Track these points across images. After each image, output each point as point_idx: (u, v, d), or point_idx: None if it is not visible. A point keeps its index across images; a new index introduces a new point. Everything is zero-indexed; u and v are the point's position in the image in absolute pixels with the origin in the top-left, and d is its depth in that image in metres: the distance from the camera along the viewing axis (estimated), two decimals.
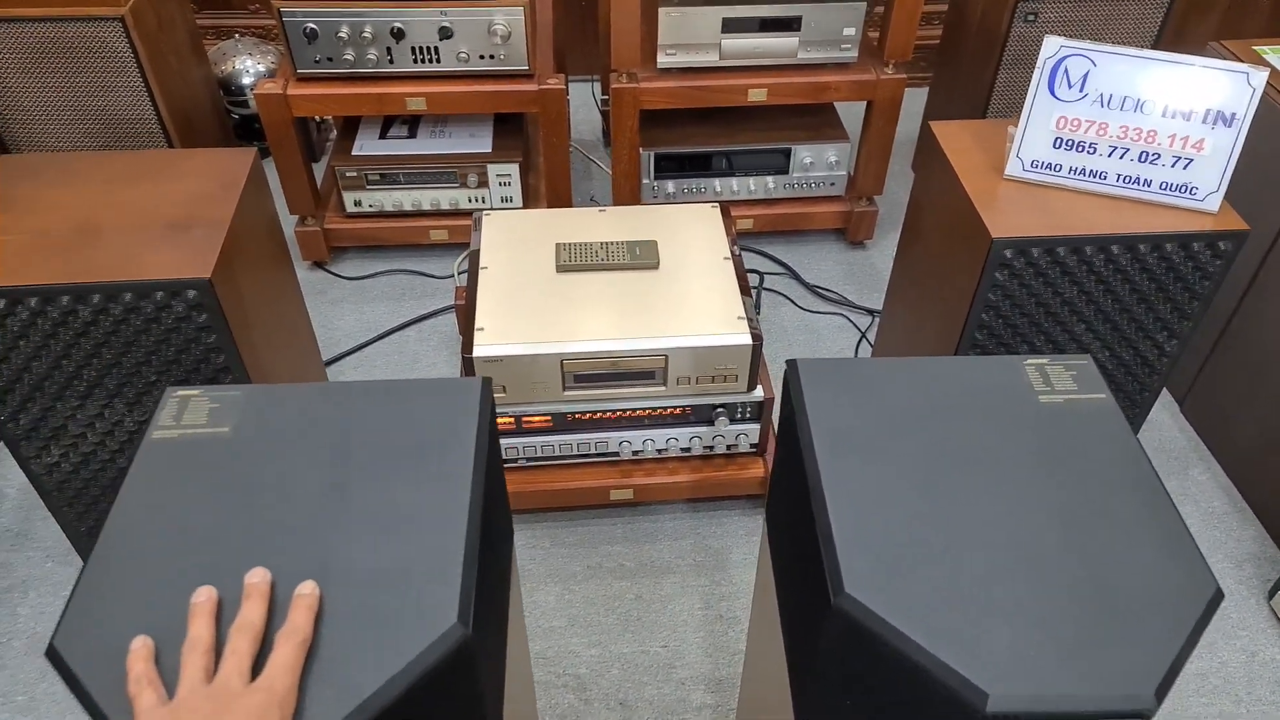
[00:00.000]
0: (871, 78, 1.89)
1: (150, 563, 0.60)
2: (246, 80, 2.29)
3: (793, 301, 2.02)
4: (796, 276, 2.07)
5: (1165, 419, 1.79)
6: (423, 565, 0.60)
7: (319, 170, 2.23)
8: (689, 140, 2.03)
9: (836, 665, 0.63)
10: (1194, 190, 1.28)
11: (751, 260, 2.12)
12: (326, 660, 0.55)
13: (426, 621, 0.57)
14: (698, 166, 2.05)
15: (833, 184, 2.09)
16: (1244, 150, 1.24)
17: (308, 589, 0.57)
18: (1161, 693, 0.55)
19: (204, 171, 1.32)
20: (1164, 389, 1.84)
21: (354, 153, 1.98)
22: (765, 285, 2.07)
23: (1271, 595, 1.49)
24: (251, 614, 0.55)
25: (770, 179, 2.06)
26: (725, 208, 1.63)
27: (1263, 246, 1.56)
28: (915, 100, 2.37)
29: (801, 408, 0.71)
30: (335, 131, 2.38)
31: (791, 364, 0.75)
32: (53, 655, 0.56)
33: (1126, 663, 0.56)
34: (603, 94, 2.44)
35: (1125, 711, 0.54)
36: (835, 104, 2.19)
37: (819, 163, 2.05)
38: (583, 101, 2.59)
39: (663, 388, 1.45)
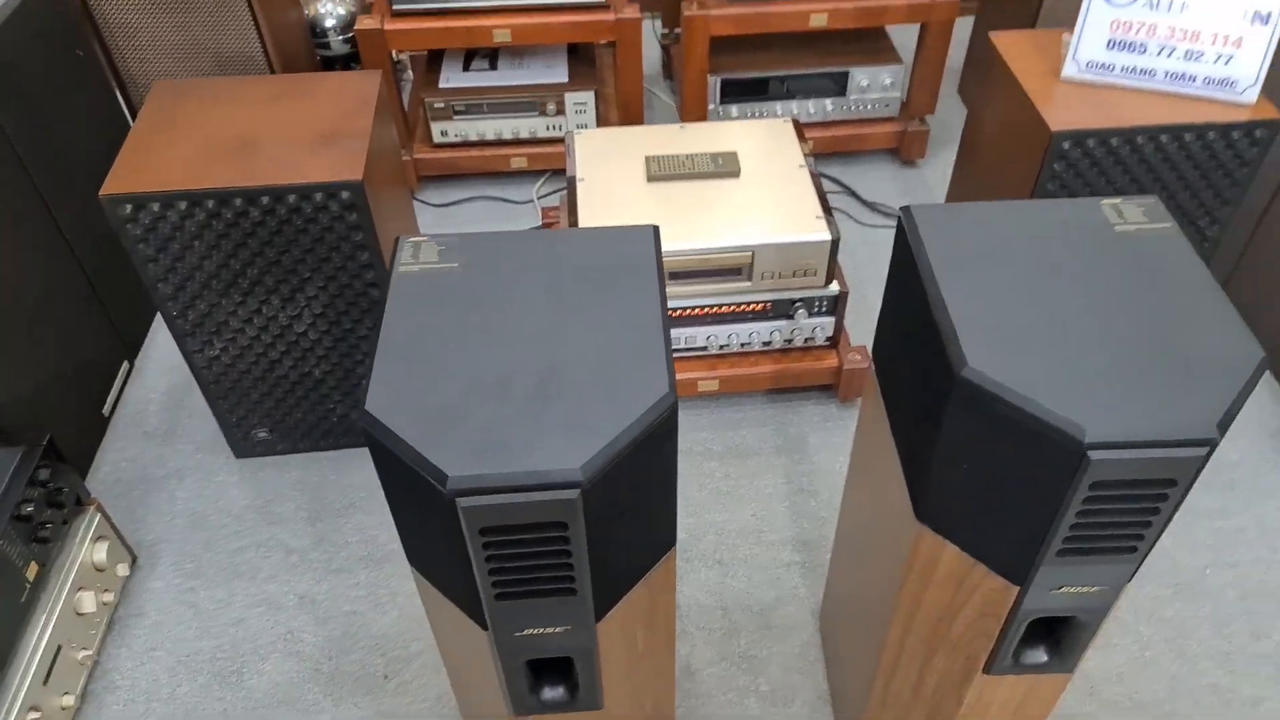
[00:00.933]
0: (926, 0, 2.01)
1: (422, 353, 0.76)
2: (329, 23, 2.42)
3: (852, 218, 2.15)
4: (855, 195, 2.21)
5: None
6: (635, 352, 0.75)
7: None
8: (753, 66, 2.15)
9: (959, 434, 0.78)
10: (1234, 84, 1.40)
11: None
12: (572, 422, 0.71)
13: (647, 391, 0.72)
14: (760, 92, 2.17)
15: (887, 105, 2.21)
16: None
17: None
18: (1222, 428, 0.70)
19: (340, 91, 1.47)
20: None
21: (440, 85, 2.12)
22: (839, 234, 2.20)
23: None
24: None
25: (829, 102, 2.19)
26: (797, 123, 1.77)
27: None
28: (961, 29, 2.47)
29: (916, 237, 0.86)
30: (409, 71, 2.52)
31: (905, 209, 0.89)
32: (366, 417, 0.72)
33: (1194, 407, 0.71)
34: (662, 28, 2.56)
35: (1194, 440, 0.69)
36: (888, 30, 2.30)
37: (874, 85, 2.17)
38: (645, 40, 2.70)
39: (749, 283, 1.60)
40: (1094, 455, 0.70)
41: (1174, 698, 1.36)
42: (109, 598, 1.42)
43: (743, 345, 1.69)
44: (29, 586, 1.25)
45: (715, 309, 1.64)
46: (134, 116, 2.00)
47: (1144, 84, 1.45)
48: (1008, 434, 0.74)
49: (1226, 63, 1.40)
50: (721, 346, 1.69)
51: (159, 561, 1.53)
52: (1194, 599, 1.47)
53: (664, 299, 0.81)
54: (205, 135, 1.38)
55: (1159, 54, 1.43)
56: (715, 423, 1.74)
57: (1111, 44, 1.44)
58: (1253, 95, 1.40)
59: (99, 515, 1.41)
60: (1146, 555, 0.80)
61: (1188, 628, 1.44)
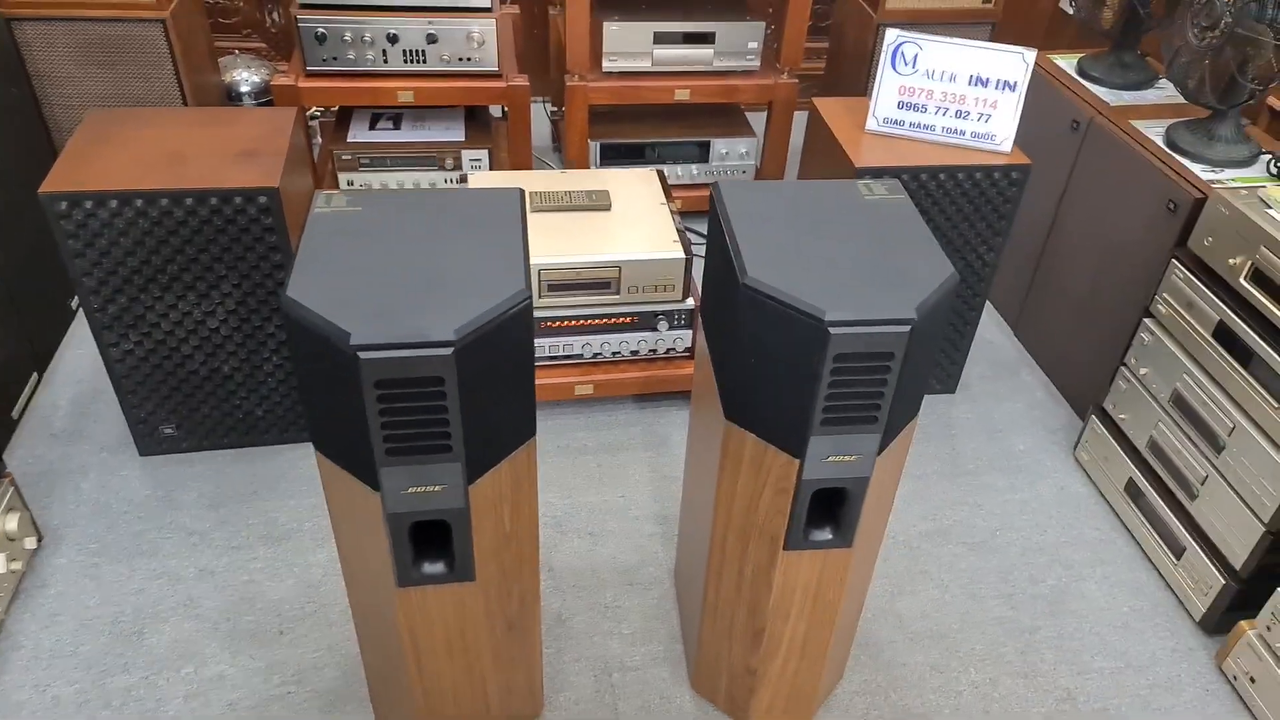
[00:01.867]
0: (771, 82, 2.39)
1: (331, 263, 0.97)
2: (244, 89, 2.66)
3: None
4: None
5: (1002, 339, 2.28)
6: (499, 266, 0.99)
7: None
8: (628, 134, 2.49)
9: (745, 332, 1.04)
10: (993, 137, 1.79)
11: None
12: (449, 304, 0.93)
13: (507, 288, 0.96)
14: (635, 155, 2.50)
15: (744, 172, 2.57)
16: (1031, 109, 1.75)
17: None
18: (921, 311, 0.98)
19: (259, 120, 1.70)
20: (1000, 316, 2.34)
21: (349, 140, 2.37)
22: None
23: (1074, 449, 1.96)
24: None
25: (694, 166, 2.53)
26: (661, 173, 2.08)
27: (1056, 194, 2.08)
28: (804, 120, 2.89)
29: (721, 202, 1.13)
30: (319, 136, 2.76)
31: (715, 185, 1.17)
32: (287, 301, 0.92)
33: (902, 300, 0.99)
34: (552, 106, 2.90)
35: (900, 319, 0.97)
36: (744, 110, 2.69)
37: (732, 153, 2.53)
38: (535, 116, 3.04)
39: (617, 295, 1.86)
40: (833, 331, 0.96)
41: (965, 628, 1.61)
42: (17, 566, 1.51)
43: (614, 354, 1.94)
44: None
45: (589, 320, 1.89)
46: (56, 155, 2.17)
47: (927, 136, 1.82)
48: (777, 325, 1.00)
49: (987, 121, 1.79)
50: (595, 355, 1.93)
51: (63, 543, 1.63)
52: (985, 555, 1.75)
53: (525, 238, 1.05)
54: (136, 150, 1.58)
55: (936, 113, 1.80)
56: (590, 424, 1.97)
57: (901, 104, 1.81)
58: (1008, 146, 1.79)
59: (11, 488, 1.52)
60: (887, 429, 1.07)
61: (979, 576, 1.71)
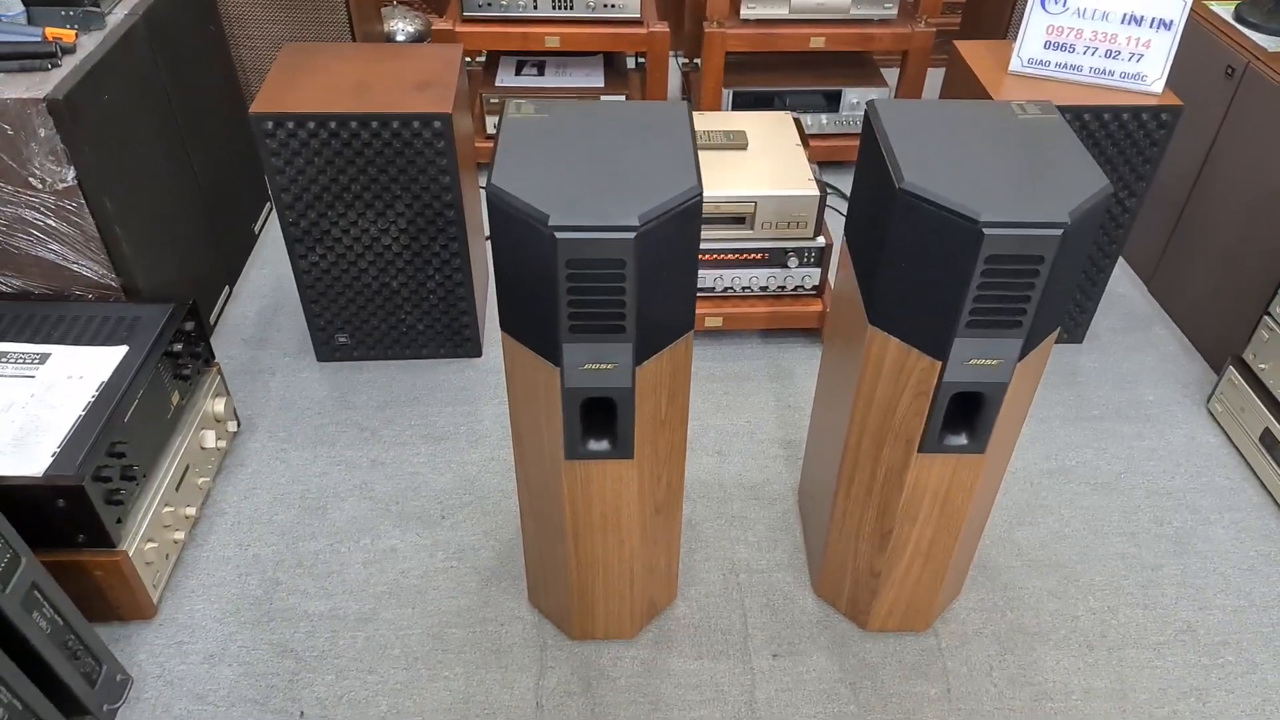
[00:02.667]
0: (908, 31, 2.41)
1: (527, 159, 1.10)
2: (400, 38, 2.84)
3: (841, 214, 2.52)
4: (844, 196, 2.57)
5: (1135, 293, 2.26)
6: (673, 165, 1.09)
7: None
8: (760, 82, 2.55)
9: (900, 237, 1.11)
10: (1144, 78, 1.78)
11: None
12: (632, 197, 1.04)
13: (681, 185, 1.06)
14: (766, 104, 2.56)
15: None
16: (1183, 55, 1.73)
17: None
18: (1074, 216, 1.03)
19: (431, 56, 1.85)
20: (1134, 272, 2.32)
21: (497, 84, 2.52)
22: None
23: (1207, 401, 1.95)
24: None
25: (824, 116, 2.58)
26: (797, 119, 2.14)
27: (1204, 144, 2.04)
28: (937, 78, 2.88)
29: (876, 118, 1.20)
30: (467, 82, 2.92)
31: (870, 102, 1.24)
32: (492, 189, 1.05)
33: (1055, 206, 1.04)
34: (684, 59, 2.98)
35: (1053, 223, 1.02)
36: (876, 60, 2.71)
37: (864, 104, 2.56)
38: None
39: (751, 230, 1.94)
40: (988, 232, 1.03)
41: (1085, 560, 1.65)
42: (222, 444, 1.72)
43: (744, 289, 2.03)
44: (172, 409, 1.57)
45: (722, 255, 1.98)
46: (241, 88, 2.39)
47: (1074, 77, 1.82)
48: (933, 227, 1.07)
49: (1138, 61, 1.78)
50: (726, 289, 2.02)
51: (257, 430, 1.84)
52: (1108, 494, 1.77)
53: (695, 142, 1.15)
54: (328, 79, 1.75)
55: (1085, 53, 1.81)
56: (719, 355, 2.07)
57: (1048, 45, 1.82)
58: (1159, 87, 1.78)
59: (219, 376, 1.73)
60: (1030, 336, 1.13)
61: (1101, 514, 1.73)
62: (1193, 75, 2.04)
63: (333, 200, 1.76)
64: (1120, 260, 2.37)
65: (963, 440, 1.24)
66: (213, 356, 1.73)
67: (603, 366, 1.12)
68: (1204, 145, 2.04)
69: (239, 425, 1.83)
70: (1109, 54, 1.79)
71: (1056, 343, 2.10)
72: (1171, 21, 1.74)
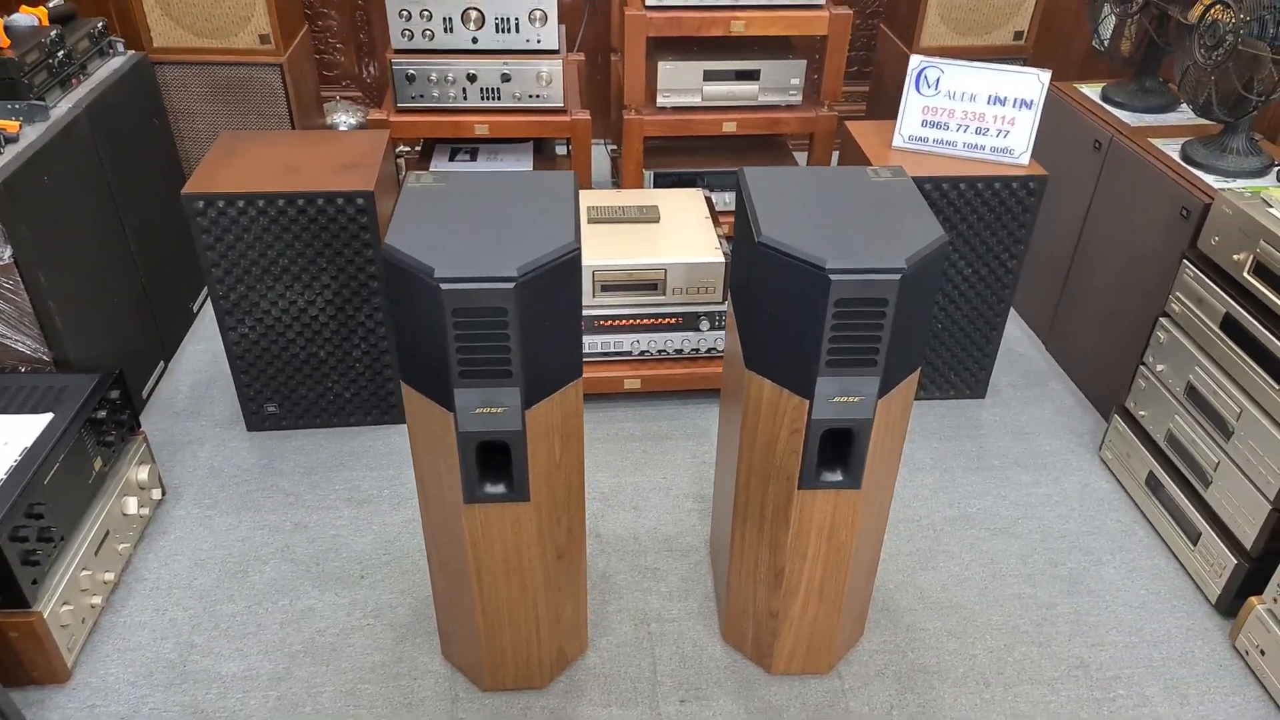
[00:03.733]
0: (813, 115, 2.60)
1: (419, 221, 1.20)
2: (343, 129, 2.99)
3: None
4: None
5: (1033, 352, 2.40)
6: (553, 226, 1.20)
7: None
8: (679, 164, 2.72)
9: (762, 285, 1.22)
10: (1011, 151, 1.95)
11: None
12: (513, 252, 1.14)
13: (559, 241, 1.17)
14: (686, 184, 2.72)
15: None
16: (1056, 132, 1.91)
17: None
18: (911, 262, 1.15)
19: (358, 141, 1.98)
20: (1032, 331, 2.46)
21: (430, 169, 2.65)
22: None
23: (1099, 449, 2.06)
24: None
25: None
26: (707, 195, 2.29)
27: (1080, 211, 2.21)
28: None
29: (745, 183, 1.33)
30: (404, 173, 3.07)
31: (740, 170, 1.37)
32: (387, 249, 1.15)
33: (894, 253, 1.16)
34: (612, 147, 3.16)
35: (892, 269, 1.14)
36: (787, 142, 2.90)
37: None
38: (595, 155, 3.31)
39: (663, 296, 2.06)
40: (834, 277, 1.14)
41: (984, 601, 1.72)
42: (145, 511, 1.76)
43: (660, 352, 2.13)
44: (94, 474, 1.61)
45: (638, 320, 2.09)
46: (185, 178, 2.50)
47: (950, 151, 1.99)
48: (787, 275, 1.18)
49: (1005, 136, 1.96)
50: (642, 352, 2.13)
51: (182, 498, 1.88)
52: (1007, 539, 1.86)
53: (577, 208, 1.26)
54: (259, 162, 1.86)
55: (958, 130, 1.98)
56: (637, 416, 2.15)
57: (925, 123, 2.00)
58: (1025, 159, 1.95)
59: (145, 444, 1.78)
60: (886, 374, 1.23)
61: (1000, 557, 1.82)
62: (1065, 148, 2.23)
63: (261, 274, 1.85)
64: (1020, 321, 2.52)
65: (838, 476, 1.33)
66: (138, 425, 1.78)
67: (493, 410, 1.20)
68: (1080, 212, 2.22)
69: (164, 493, 1.86)
70: (979, 130, 1.97)
71: (960, 397, 2.22)
72: (1032, 101, 1.92)
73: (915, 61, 1.97)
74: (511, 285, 1.11)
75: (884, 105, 2.92)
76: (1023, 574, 1.78)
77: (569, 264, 1.17)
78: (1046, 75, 1.91)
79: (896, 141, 2.01)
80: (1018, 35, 2.82)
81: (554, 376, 1.24)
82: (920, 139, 2.00)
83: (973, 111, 1.96)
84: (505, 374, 1.18)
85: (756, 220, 1.24)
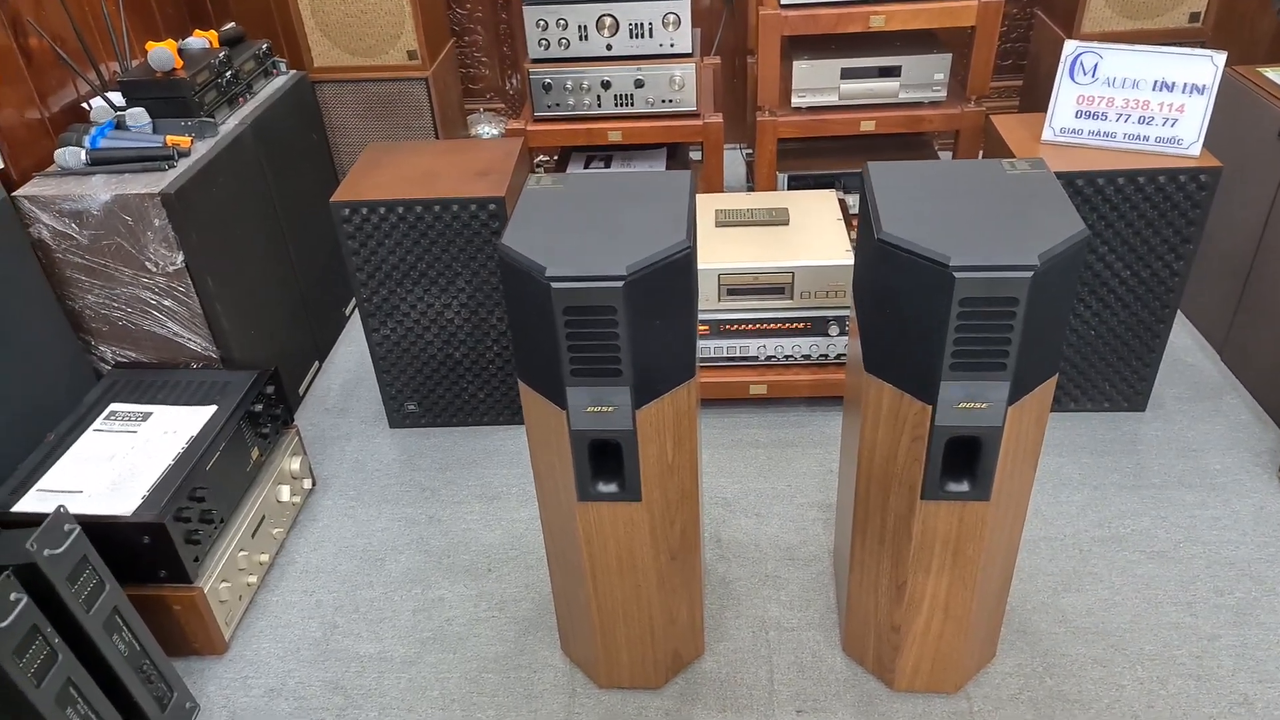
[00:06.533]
0: (958, 111, 2.49)
1: (538, 221, 1.23)
2: (484, 139, 3.11)
3: None
4: None
5: (1204, 361, 2.19)
6: (667, 224, 1.20)
7: None
8: (814, 166, 2.66)
9: (880, 285, 1.17)
10: (1180, 141, 1.79)
11: None
12: (625, 251, 1.15)
13: (671, 239, 1.16)
14: (820, 187, 2.66)
15: None
16: (1234, 121, 1.74)
17: None
18: (1045, 259, 1.07)
19: (494, 149, 2.05)
20: (1204, 339, 2.25)
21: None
22: None
23: (1279, 471, 1.86)
24: None
25: None
26: (841, 197, 2.23)
27: (1264, 207, 2.00)
28: None
29: (868, 179, 1.28)
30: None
31: (865, 166, 1.32)
32: (502, 248, 1.18)
33: (1026, 249, 1.08)
34: (747, 150, 3.13)
35: (1023, 265, 1.07)
36: (932, 141, 2.78)
37: None
38: (730, 160, 3.29)
39: (790, 300, 2.02)
40: (958, 275, 1.08)
41: (1135, 629, 1.58)
42: (296, 500, 1.89)
43: (786, 357, 2.09)
44: (251, 463, 1.74)
45: (764, 324, 2.06)
46: None
47: (1107, 144, 1.85)
48: (908, 274, 1.13)
49: (1173, 125, 1.80)
50: (769, 357, 2.09)
51: (330, 489, 2.00)
52: (1165, 563, 1.70)
53: (692, 207, 1.26)
54: (400, 172, 1.97)
55: (1118, 120, 1.84)
56: (763, 422, 2.12)
57: (1079, 114, 1.86)
58: (1196, 149, 1.78)
59: (297, 437, 1.91)
60: (1017, 379, 1.15)
61: (1156, 582, 1.66)
62: (1244, 138, 2.02)
63: (401, 278, 1.95)
64: (1190, 328, 2.30)
65: (964, 487, 1.26)
66: (291, 418, 1.91)
67: (604, 409, 1.21)
68: (1263, 208, 2.01)
69: (314, 483, 1.99)
70: (1142, 120, 1.81)
71: (1116, 410, 2.05)
72: (1205, 86, 1.76)
73: (1070, 47, 1.84)
74: (621, 284, 1.11)
75: (1039, 99, 2.76)
76: (1182, 602, 1.63)
77: (681, 263, 1.16)
78: (1221, 57, 1.74)
79: (1046, 135, 1.89)
80: (1193, 17, 2.59)
81: (666, 376, 1.24)
82: (1074, 131, 1.87)
83: (1135, 99, 1.81)
84: (615, 373, 1.18)
85: (877, 215, 1.19)
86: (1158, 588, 1.66)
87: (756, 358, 2.10)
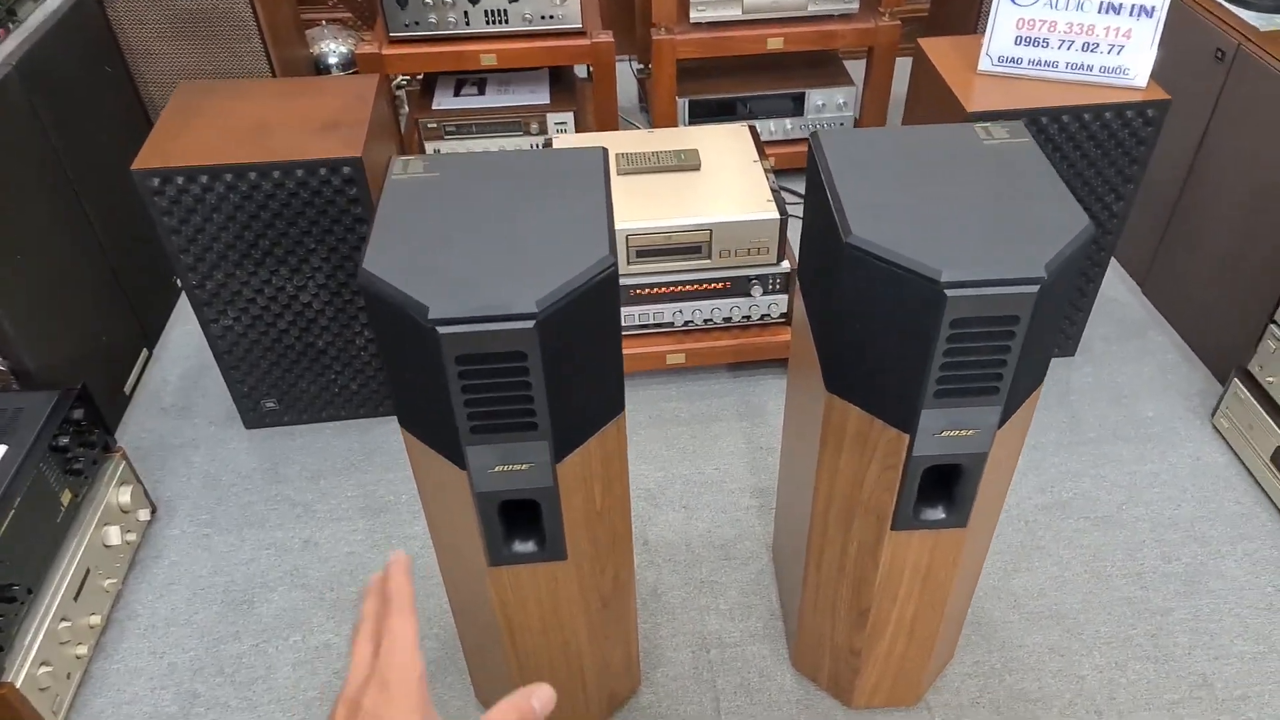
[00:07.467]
0: (871, 26, 2.24)
1: (408, 231, 0.94)
2: (332, 60, 2.66)
3: None
4: None
5: (1128, 296, 2.10)
6: (582, 229, 0.93)
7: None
8: (717, 89, 2.38)
9: (850, 295, 0.95)
10: (1126, 71, 1.62)
11: None
12: (531, 273, 0.88)
13: (591, 254, 0.90)
14: (725, 112, 2.40)
15: (842, 124, 2.43)
16: (1166, 39, 1.57)
17: (397, 555, 0.59)
18: (1049, 270, 0.87)
19: (341, 90, 1.68)
20: (1125, 272, 2.16)
21: (434, 107, 2.35)
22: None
23: (1212, 415, 1.80)
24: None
25: (788, 121, 2.41)
26: (753, 128, 1.98)
27: (1195, 134, 1.88)
28: (903, 68, 2.71)
29: (820, 152, 1.04)
30: (405, 106, 2.75)
31: (813, 134, 1.08)
32: (364, 275, 0.89)
33: (1029, 256, 0.88)
34: (639, 65, 2.81)
35: (1027, 279, 0.87)
36: (841, 58, 2.54)
37: (829, 105, 2.40)
38: (621, 75, 2.95)
39: (708, 260, 1.78)
40: (950, 293, 0.87)
41: (1088, 608, 1.50)
42: (131, 537, 1.56)
43: (706, 321, 1.87)
44: (63, 510, 1.40)
45: (680, 286, 1.82)
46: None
47: (1048, 74, 1.66)
48: (886, 288, 0.91)
49: (1119, 53, 1.62)
50: (687, 323, 1.86)
51: (176, 514, 1.68)
52: (1110, 529, 1.62)
53: (609, 198, 0.99)
54: (224, 123, 1.58)
55: (1060, 47, 1.64)
56: (683, 394, 1.91)
57: (1019, 40, 1.66)
58: (1143, 80, 1.62)
59: (124, 462, 1.57)
60: (1009, 401, 0.97)
61: (1104, 552, 1.58)
62: (1179, 60, 1.88)
63: (240, 259, 1.60)
64: (1113, 261, 2.21)
65: (940, 514, 1.09)
66: (113, 443, 1.56)
67: (516, 467, 0.96)
68: (1195, 135, 1.88)
69: (154, 511, 1.67)
70: (1086, 47, 1.63)
71: None
72: (1154, 8, 1.58)
73: None
74: (531, 324, 0.85)
75: (952, 8, 2.54)
76: (1131, 573, 1.55)
77: (604, 283, 0.90)
78: None
79: (983, 64, 1.68)
80: None
81: (591, 419, 0.99)
82: (1014, 59, 1.67)
83: (1079, 23, 1.61)
84: (528, 427, 0.93)
85: (842, 210, 0.95)
86: (1106, 558, 1.57)
87: (673, 324, 1.86)
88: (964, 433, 0.99)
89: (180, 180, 1.49)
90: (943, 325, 0.89)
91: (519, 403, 0.90)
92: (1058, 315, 0.97)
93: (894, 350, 0.95)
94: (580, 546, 1.09)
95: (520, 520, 1.05)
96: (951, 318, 0.89)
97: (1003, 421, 0.99)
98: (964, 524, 1.09)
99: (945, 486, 1.08)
